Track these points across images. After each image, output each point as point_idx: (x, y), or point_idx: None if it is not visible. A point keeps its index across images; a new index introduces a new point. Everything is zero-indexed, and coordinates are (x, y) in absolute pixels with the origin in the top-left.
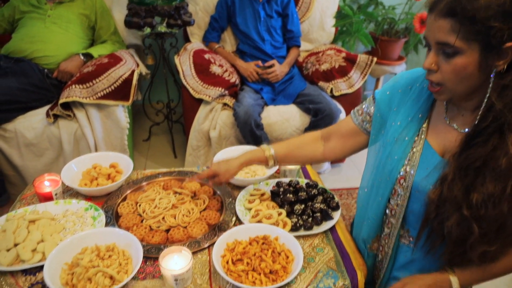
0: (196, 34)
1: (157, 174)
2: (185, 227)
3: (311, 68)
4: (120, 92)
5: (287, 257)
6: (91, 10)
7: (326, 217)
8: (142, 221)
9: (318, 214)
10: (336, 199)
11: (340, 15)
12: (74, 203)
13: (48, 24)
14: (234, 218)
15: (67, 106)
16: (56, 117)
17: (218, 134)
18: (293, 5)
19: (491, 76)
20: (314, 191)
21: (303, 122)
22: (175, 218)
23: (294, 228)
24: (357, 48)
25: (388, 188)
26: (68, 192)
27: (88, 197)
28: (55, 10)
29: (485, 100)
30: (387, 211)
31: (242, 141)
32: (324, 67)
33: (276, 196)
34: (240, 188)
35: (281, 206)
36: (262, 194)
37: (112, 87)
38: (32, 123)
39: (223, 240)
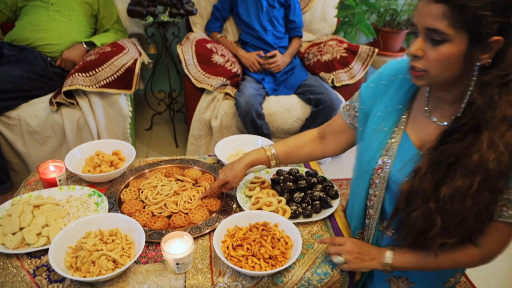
0: (198, 24)
1: (159, 162)
2: (187, 214)
3: (313, 58)
4: (122, 80)
5: (286, 243)
6: None
7: (325, 205)
8: (144, 207)
9: (317, 202)
10: (335, 187)
11: (342, 6)
12: (78, 189)
13: (51, 13)
14: (234, 206)
15: (70, 94)
16: (59, 105)
17: (219, 124)
18: None
19: (475, 68)
20: (314, 179)
21: (304, 113)
22: (176, 204)
23: (294, 216)
24: (359, 39)
25: (367, 179)
26: (72, 178)
27: (91, 184)
28: None
29: (468, 93)
30: (367, 202)
31: (243, 130)
32: (326, 57)
33: (276, 184)
34: None
35: (281, 194)
36: (263, 182)
37: (115, 76)
38: (35, 111)
39: (223, 226)
